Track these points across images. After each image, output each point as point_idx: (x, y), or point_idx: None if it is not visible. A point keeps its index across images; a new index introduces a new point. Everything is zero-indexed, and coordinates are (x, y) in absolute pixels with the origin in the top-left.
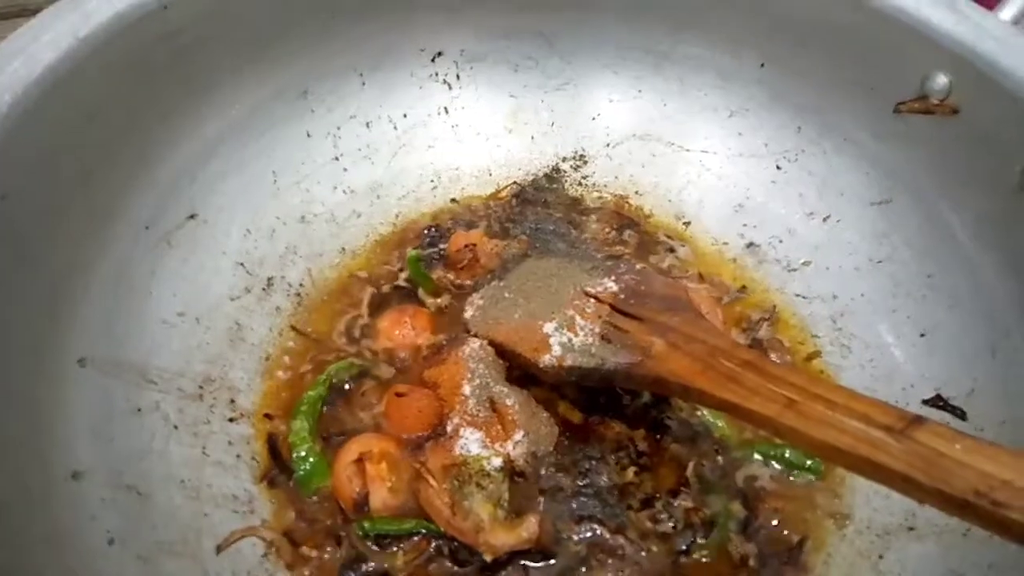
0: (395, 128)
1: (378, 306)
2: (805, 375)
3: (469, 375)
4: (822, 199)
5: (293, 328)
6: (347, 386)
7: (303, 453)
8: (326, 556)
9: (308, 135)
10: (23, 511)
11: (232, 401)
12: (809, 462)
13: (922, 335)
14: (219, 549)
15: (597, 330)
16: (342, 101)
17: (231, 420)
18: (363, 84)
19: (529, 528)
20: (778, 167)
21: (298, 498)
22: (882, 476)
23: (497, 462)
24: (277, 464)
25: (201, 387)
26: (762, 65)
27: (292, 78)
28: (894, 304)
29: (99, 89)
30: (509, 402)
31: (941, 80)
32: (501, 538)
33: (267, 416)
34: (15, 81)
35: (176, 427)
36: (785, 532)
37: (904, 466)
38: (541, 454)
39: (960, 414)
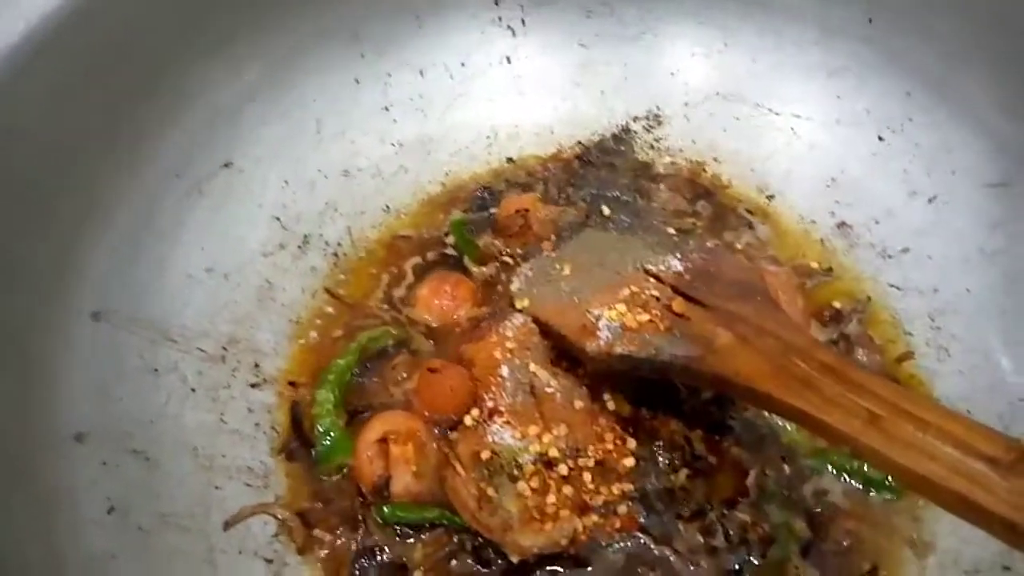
0: (451, 77)
1: (420, 272)
2: (894, 386)
3: (509, 355)
4: (929, 177)
5: (327, 291)
6: (379, 357)
7: (326, 426)
8: (340, 541)
9: (356, 81)
10: (12, 472)
11: (256, 365)
12: (890, 479)
13: None
14: (227, 525)
15: (654, 315)
16: (395, 45)
17: (253, 386)
18: (419, 27)
19: (563, 530)
20: (880, 138)
21: (316, 476)
22: (980, 518)
23: (533, 454)
24: (298, 436)
25: (224, 349)
26: (870, 20)
27: (342, 18)
28: (1005, 304)
29: (132, 20)
30: (550, 388)
31: None
32: (531, 538)
33: (291, 384)
34: (30, 8)
35: (194, 390)
36: (855, 558)
37: (1009, 509)
38: (582, 449)
39: None
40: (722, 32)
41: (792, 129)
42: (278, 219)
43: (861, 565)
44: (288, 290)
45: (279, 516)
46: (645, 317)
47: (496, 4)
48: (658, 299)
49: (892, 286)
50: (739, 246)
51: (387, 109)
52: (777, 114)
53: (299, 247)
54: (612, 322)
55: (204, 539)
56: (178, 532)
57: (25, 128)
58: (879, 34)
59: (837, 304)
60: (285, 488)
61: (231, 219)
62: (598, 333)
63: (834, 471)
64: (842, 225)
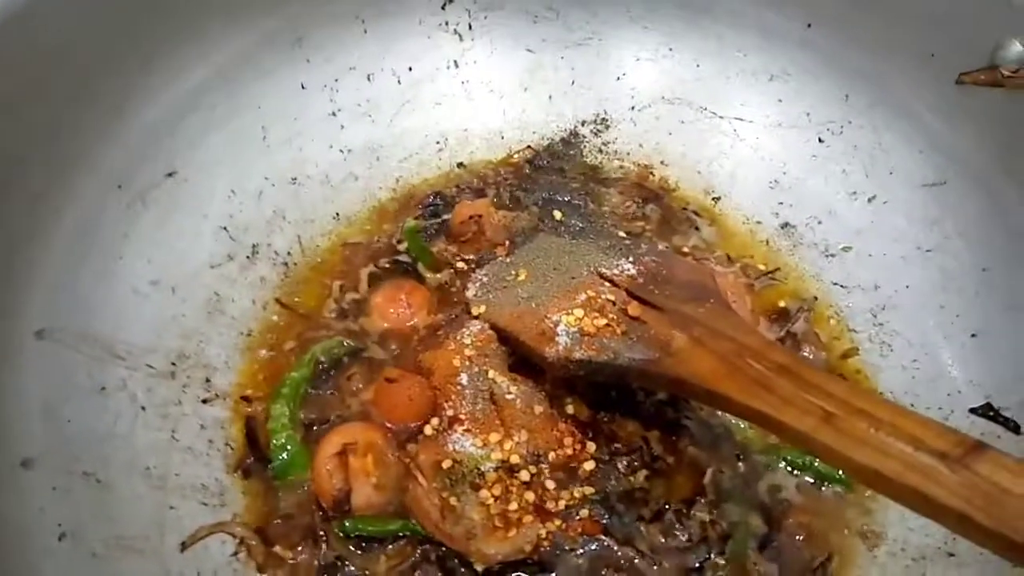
0: (399, 82)
1: (373, 280)
2: (847, 385)
3: (468, 362)
4: (868, 177)
5: (278, 301)
6: (334, 368)
7: (282, 441)
8: (302, 558)
9: (302, 87)
10: None
11: (207, 380)
12: (840, 473)
13: (973, 335)
14: (184, 546)
15: (611, 319)
16: (341, 50)
17: (205, 402)
18: (365, 32)
19: (526, 536)
20: (820, 140)
21: (274, 491)
22: (932, 511)
23: (494, 461)
24: (253, 452)
25: (174, 364)
26: (809, 25)
27: (286, 23)
28: (943, 299)
29: (67, 28)
30: (510, 395)
31: (1016, 48)
32: (494, 546)
33: (244, 399)
34: None
35: (144, 408)
36: (809, 551)
37: (960, 502)
38: (543, 454)
39: (1013, 427)
40: (667, 37)
41: (736, 132)
42: (225, 229)
43: (815, 557)
44: (237, 302)
45: (237, 534)
46: (602, 321)
47: (443, 9)
48: (614, 303)
49: (835, 284)
50: (687, 248)
51: (334, 115)
52: (721, 117)
53: (247, 257)
54: (570, 327)
55: (160, 562)
56: (133, 556)
57: None
58: (817, 38)
59: (783, 303)
60: (242, 506)
61: (176, 230)
62: (557, 339)
63: (787, 467)
64: (786, 225)
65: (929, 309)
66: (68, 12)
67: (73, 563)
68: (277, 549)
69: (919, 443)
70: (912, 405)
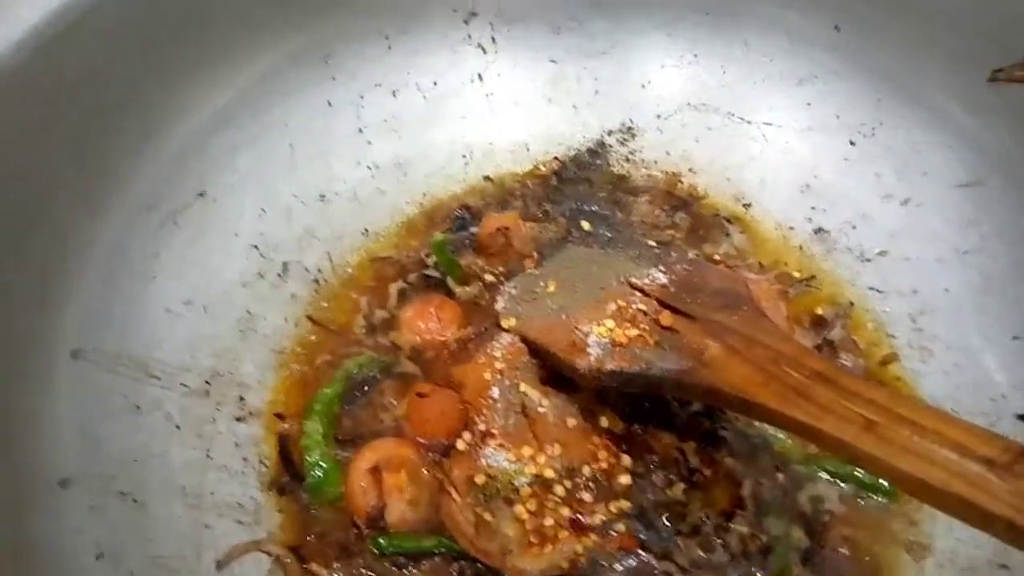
0: (424, 97)
1: (403, 295)
2: (888, 391)
3: (499, 376)
4: (902, 180)
5: (309, 318)
6: (366, 384)
7: (316, 458)
8: (337, 575)
9: (329, 104)
10: None
11: (241, 399)
12: (884, 482)
13: (1015, 338)
14: (220, 565)
15: (643, 329)
16: (366, 67)
17: (239, 420)
18: (389, 48)
19: (563, 552)
20: (852, 143)
21: (308, 509)
22: (980, 519)
23: (528, 476)
24: (287, 470)
25: (208, 383)
26: (836, 27)
27: (312, 41)
28: (983, 302)
29: (93, 53)
30: (542, 408)
31: None
32: (530, 562)
33: (278, 416)
34: None
35: (178, 427)
36: (854, 563)
37: (1009, 510)
38: (577, 468)
39: None
40: (691, 44)
41: (764, 137)
42: (256, 247)
43: (861, 570)
44: (269, 319)
45: (272, 553)
46: (634, 332)
47: (466, 23)
48: (645, 313)
49: (872, 289)
50: (718, 256)
51: (361, 131)
52: (749, 123)
53: (278, 275)
54: (602, 338)
55: None
56: (170, 575)
57: None
58: (846, 41)
59: (819, 310)
60: (277, 523)
61: (207, 250)
62: (588, 350)
63: (828, 477)
64: (819, 231)
65: (969, 312)
66: (94, 39)
67: None
68: (312, 567)
69: (965, 450)
70: (955, 411)
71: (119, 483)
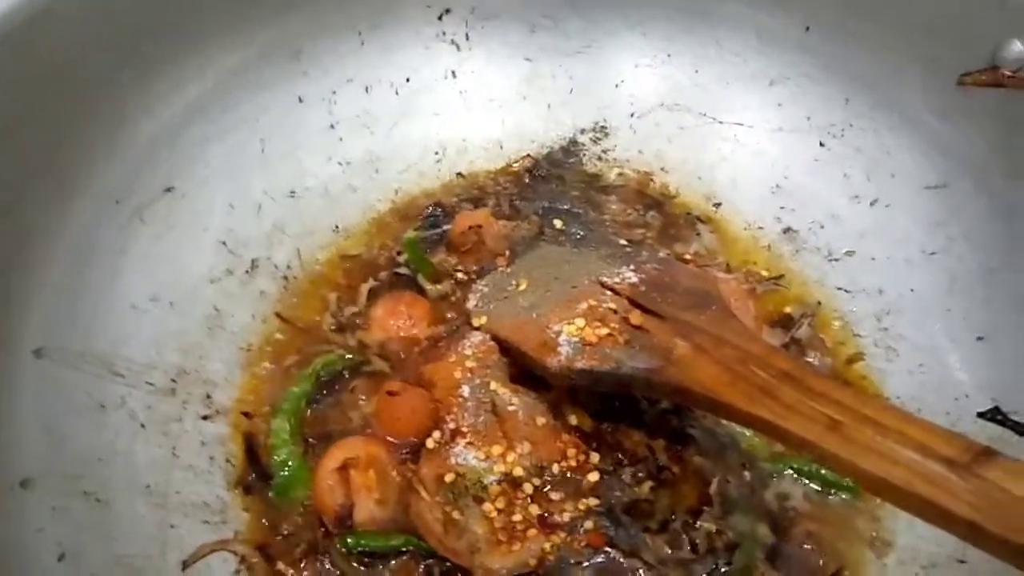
0: (397, 93)
1: (373, 293)
2: (853, 392)
3: (469, 374)
4: (870, 181)
5: (278, 315)
6: (335, 382)
7: (283, 457)
8: (305, 574)
9: (300, 100)
10: None
11: (208, 396)
12: (848, 480)
13: (980, 339)
14: (185, 565)
15: (613, 328)
16: (339, 62)
17: (205, 418)
18: (362, 44)
19: (531, 550)
20: (821, 144)
21: (275, 508)
22: (941, 519)
23: (497, 474)
24: (254, 468)
25: (174, 380)
26: (808, 28)
27: (282, 36)
28: (949, 302)
29: (61, 42)
30: (512, 406)
31: (1017, 48)
32: (499, 560)
33: (245, 414)
34: None
35: (143, 426)
36: (818, 559)
37: (969, 510)
38: (546, 466)
39: (1022, 431)
40: (665, 43)
41: (736, 137)
42: (224, 243)
43: (826, 567)
44: (237, 317)
45: (239, 552)
46: (604, 331)
47: (439, 19)
48: (615, 312)
49: (839, 288)
50: (689, 255)
51: (333, 127)
52: (721, 123)
53: (247, 272)
54: (572, 337)
55: None
56: (134, 575)
57: None
58: (816, 42)
59: (787, 309)
60: (244, 523)
61: (175, 245)
62: (558, 349)
63: (794, 475)
64: (788, 230)
65: (935, 312)
66: (64, 29)
67: None
68: (280, 566)
69: (927, 450)
70: (919, 410)
71: (83, 483)
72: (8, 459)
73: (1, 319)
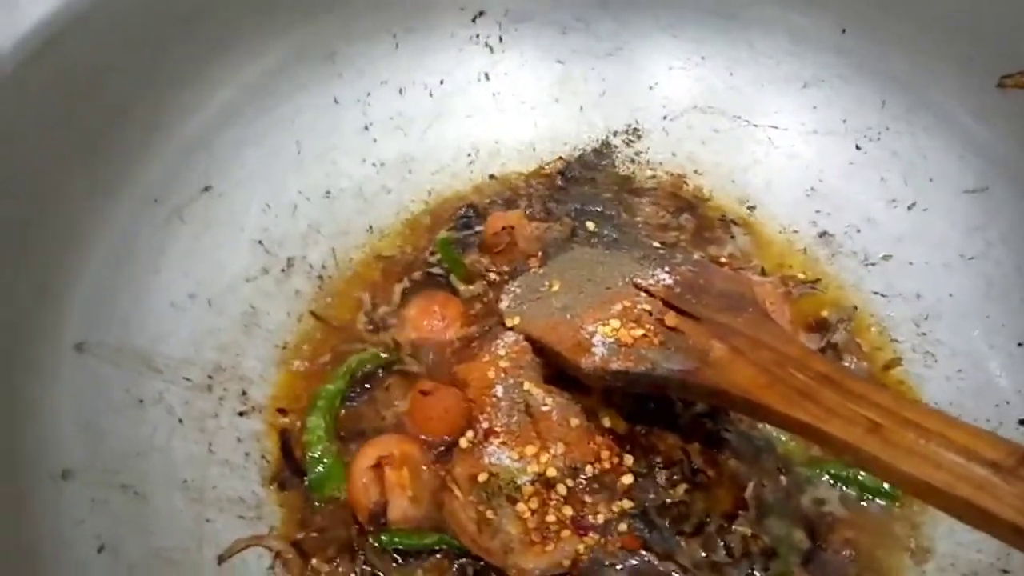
0: (431, 95)
1: (406, 293)
2: (893, 394)
3: (503, 374)
4: (907, 184)
5: (313, 314)
6: (369, 381)
7: (318, 454)
8: (339, 571)
9: (335, 101)
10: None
11: (244, 393)
12: (886, 486)
13: (1020, 344)
14: (221, 559)
15: (648, 329)
16: (373, 65)
17: (241, 414)
18: (396, 46)
19: (565, 551)
20: (858, 147)
21: (310, 504)
22: (986, 523)
23: (531, 474)
24: (289, 465)
25: (211, 377)
26: (844, 31)
27: (318, 39)
28: (988, 308)
29: (101, 47)
30: (546, 407)
31: None
32: (532, 561)
33: (280, 411)
34: (2, 36)
35: (181, 421)
36: (855, 567)
37: (1015, 514)
38: (580, 468)
39: None
40: (698, 46)
41: (770, 140)
42: (260, 243)
43: (862, 573)
44: (273, 315)
45: (274, 548)
46: (639, 332)
47: (473, 22)
48: (650, 313)
49: (876, 293)
50: (723, 258)
51: (367, 129)
52: (755, 126)
53: (283, 271)
54: (607, 338)
55: (198, 575)
56: (171, 568)
57: (1, 161)
58: (852, 44)
59: (823, 313)
60: (279, 518)
61: (212, 244)
62: (593, 349)
63: (830, 480)
64: (824, 234)
65: (973, 318)
66: (102, 33)
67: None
68: (314, 562)
69: (971, 454)
70: (959, 416)
71: (121, 476)
72: (49, 451)
73: (43, 314)
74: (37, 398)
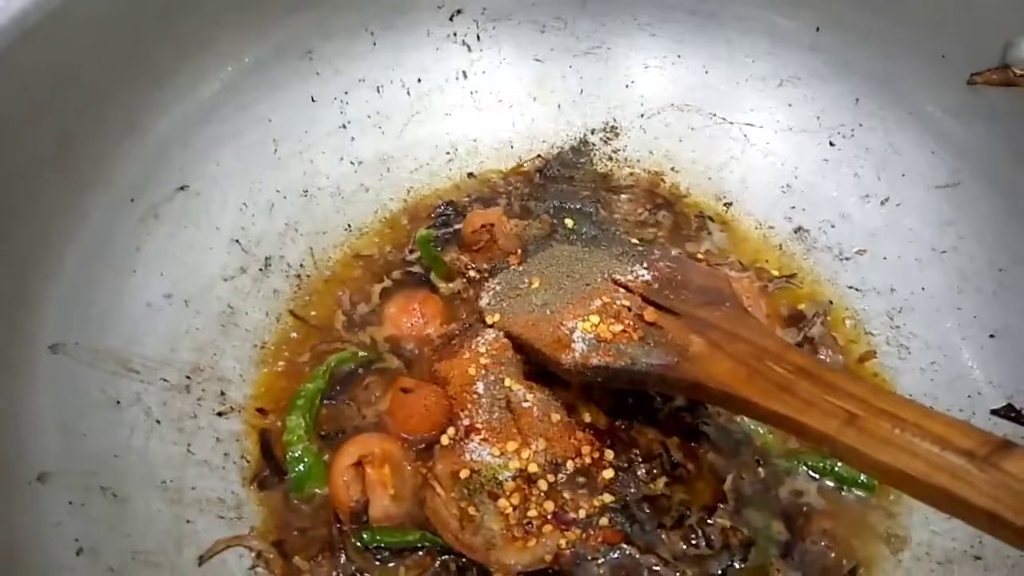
0: (408, 94)
1: (386, 290)
2: (869, 385)
3: (483, 371)
4: (880, 180)
5: (292, 313)
6: (349, 379)
7: (298, 453)
8: (321, 570)
9: (312, 100)
10: None
11: (222, 393)
12: (863, 477)
13: (991, 336)
14: (202, 560)
15: (627, 325)
16: (351, 63)
17: (220, 415)
18: (374, 44)
19: (547, 546)
20: (832, 143)
21: (291, 504)
22: (962, 511)
23: (512, 470)
24: (269, 464)
25: (188, 377)
26: (818, 29)
27: (295, 36)
28: (960, 300)
29: (78, 43)
30: (527, 403)
31: None
32: (514, 556)
33: (260, 411)
34: None
35: (159, 422)
36: (833, 556)
37: (989, 501)
38: (561, 463)
39: None
40: (675, 44)
41: (746, 137)
42: (238, 242)
43: (840, 564)
44: (251, 314)
45: (255, 548)
46: (618, 327)
47: (451, 20)
48: (629, 309)
49: (851, 287)
50: (700, 254)
51: (344, 127)
52: (731, 123)
53: (260, 270)
54: (586, 333)
55: None
56: (150, 570)
57: None
58: (827, 42)
59: (800, 307)
60: (260, 518)
61: (189, 243)
62: (573, 345)
63: (808, 471)
64: (799, 230)
65: (946, 311)
66: (79, 28)
67: None
68: (295, 561)
69: (945, 443)
70: (932, 407)
71: (99, 478)
72: (25, 453)
73: (18, 314)
74: (13, 400)
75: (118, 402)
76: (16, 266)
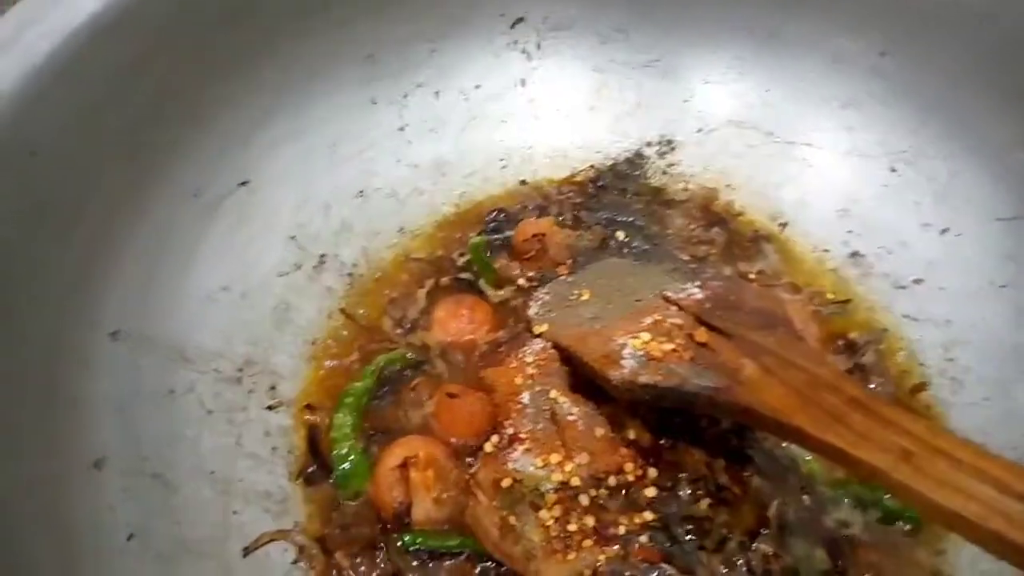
0: (466, 99)
1: (434, 295)
2: (925, 422)
3: (530, 380)
4: (941, 209)
5: (343, 312)
6: (396, 381)
7: (344, 451)
8: (361, 568)
9: (372, 103)
10: (34, 501)
11: (273, 387)
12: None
13: None
14: (246, 551)
15: (678, 344)
16: (410, 67)
17: (270, 408)
18: (434, 50)
19: (585, 561)
20: (892, 169)
21: (335, 500)
22: (1015, 557)
23: (555, 482)
24: (316, 460)
25: (241, 370)
26: (883, 53)
27: (357, 41)
28: (1017, 336)
29: (147, 42)
30: (572, 416)
31: None
32: (553, 569)
33: (308, 407)
34: (54, 29)
35: (210, 412)
36: None
37: None
38: (604, 478)
39: None
40: (736, 61)
41: (804, 158)
42: (294, 238)
43: None
44: (304, 311)
45: (298, 542)
46: (669, 346)
47: (511, 28)
48: (681, 328)
49: (906, 316)
50: (753, 274)
51: (402, 130)
52: (790, 143)
53: (315, 267)
54: (636, 351)
55: (223, 566)
56: (197, 559)
57: (45, 149)
58: (891, 67)
59: (852, 334)
60: (304, 514)
61: (247, 239)
62: (622, 362)
63: (853, 502)
64: (855, 255)
65: (1003, 346)
66: (148, 26)
67: (140, 563)
68: (336, 558)
69: (1004, 486)
70: (984, 444)
71: (152, 465)
72: (84, 438)
73: (81, 301)
74: (75, 384)
75: (172, 391)
76: (81, 253)
